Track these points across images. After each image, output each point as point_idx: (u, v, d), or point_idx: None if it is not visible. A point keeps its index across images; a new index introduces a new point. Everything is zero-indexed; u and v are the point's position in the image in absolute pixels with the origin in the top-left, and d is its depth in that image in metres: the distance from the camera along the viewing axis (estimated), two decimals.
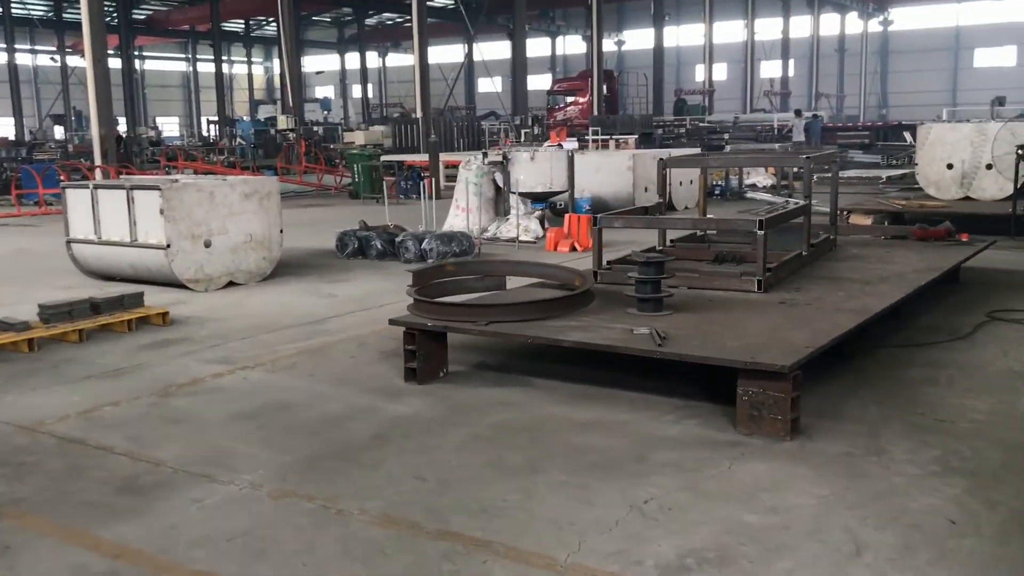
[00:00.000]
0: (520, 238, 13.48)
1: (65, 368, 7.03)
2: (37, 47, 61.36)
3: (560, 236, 12.98)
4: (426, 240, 11.93)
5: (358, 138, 36.23)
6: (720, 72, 58.03)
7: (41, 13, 57.51)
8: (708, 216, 9.93)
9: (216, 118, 57.21)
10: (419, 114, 36.06)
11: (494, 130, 41.41)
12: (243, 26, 67.46)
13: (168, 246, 9.78)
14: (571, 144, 15.51)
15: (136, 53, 61.64)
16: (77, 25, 48.89)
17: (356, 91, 71.00)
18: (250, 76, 73.73)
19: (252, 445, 5.23)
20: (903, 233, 9.81)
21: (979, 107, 44.44)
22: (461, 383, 6.35)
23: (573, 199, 14.83)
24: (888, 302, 6.53)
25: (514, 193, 14.50)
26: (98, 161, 24.51)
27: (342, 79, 72.11)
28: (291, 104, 32.46)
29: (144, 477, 4.77)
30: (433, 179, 23.04)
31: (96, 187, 10.42)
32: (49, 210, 20.12)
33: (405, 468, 4.80)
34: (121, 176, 12.04)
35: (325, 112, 56.49)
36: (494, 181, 15.74)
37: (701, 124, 39.39)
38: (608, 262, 7.73)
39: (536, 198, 14.75)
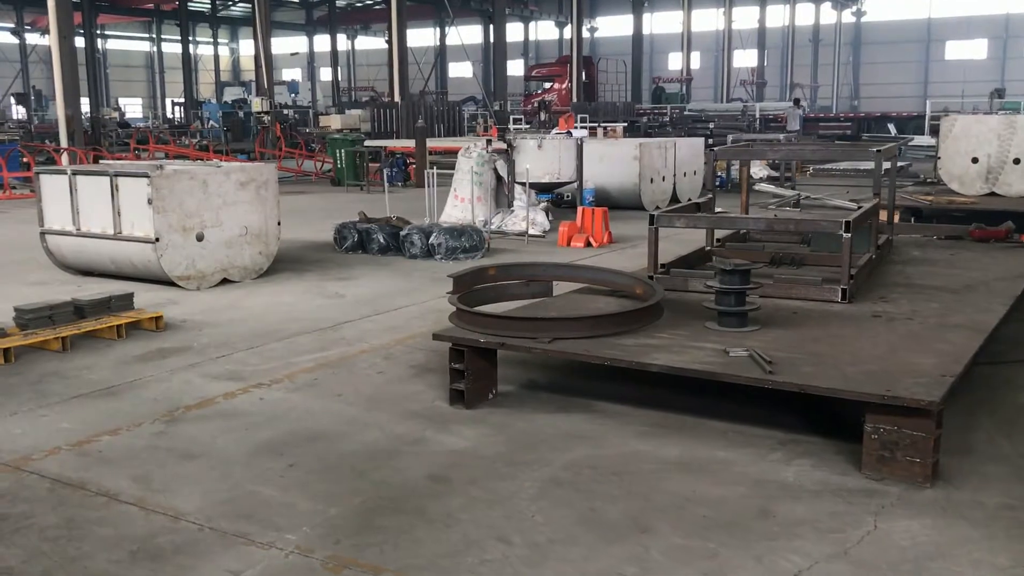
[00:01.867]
0: (529, 232, 12.63)
1: (49, 385, 6.07)
2: None
3: (573, 230, 12.15)
4: (434, 234, 11.04)
5: (334, 122, 35.01)
6: (694, 61, 57.58)
7: None
8: (762, 214, 9.13)
9: (182, 100, 55.63)
10: (397, 98, 35.06)
11: (472, 116, 40.49)
12: (209, 6, 65.64)
13: (157, 239, 8.81)
14: (581, 132, 14.65)
15: (98, 32, 59.65)
16: (37, 1, 47.15)
17: (323, 74, 69.58)
18: (216, 57, 72.05)
19: (288, 490, 4.35)
20: (958, 233, 9.10)
21: (950, 99, 44.38)
22: (515, 407, 5.51)
23: (581, 190, 13.99)
24: (995, 316, 5.78)
25: (520, 183, 13.65)
26: (64, 143, 23.25)
27: (310, 61, 70.65)
28: (265, 86, 31.22)
29: (162, 537, 3.87)
30: (421, 167, 22.16)
31: (75, 173, 9.40)
32: (13, 195, 18.92)
33: (482, 526, 3.95)
34: (101, 161, 11.00)
35: (293, 95, 55.08)
36: (495, 170, 14.87)
37: (686, 112, 38.65)
38: (663, 265, 6.90)
39: (543, 189, 13.91)
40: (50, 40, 24.42)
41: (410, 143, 27.11)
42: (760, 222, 7.16)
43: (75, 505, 4.19)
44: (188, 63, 58.39)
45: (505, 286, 6.44)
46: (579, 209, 12.41)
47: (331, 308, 8.43)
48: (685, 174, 17.54)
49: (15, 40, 55.92)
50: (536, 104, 40.58)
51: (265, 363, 6.56)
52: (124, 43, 72.39)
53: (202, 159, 24.85)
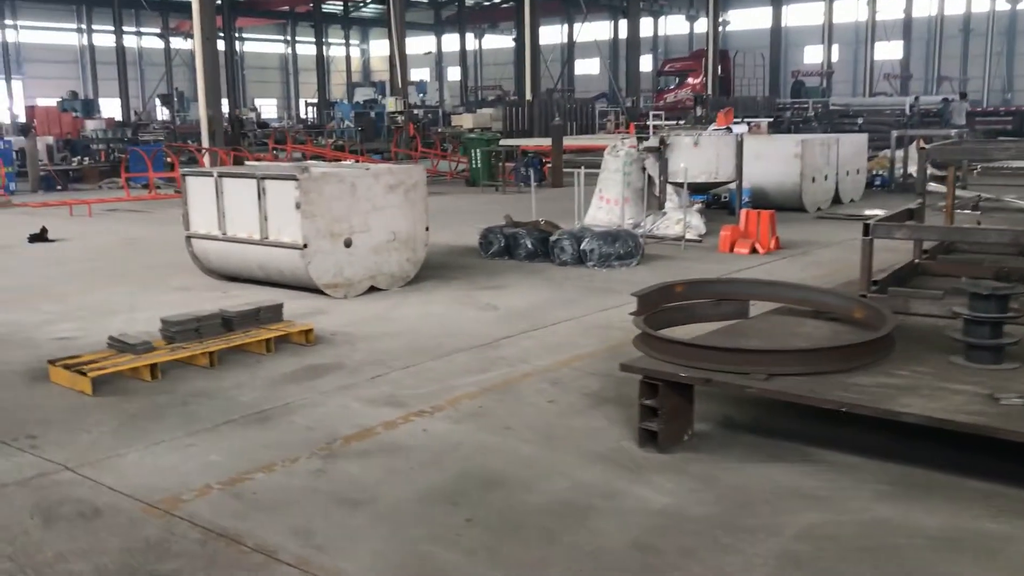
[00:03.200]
0: (686, 236, 11.75)
1: (197, 407, 5.63)
2: (142, 29, 61.76)
3: (736, 235, 11.20)
4: (586, 239, 10.31)
5: (466, 121, 34.87)
6: (832, 54, 55.03)
7: None
8: (1003, 225, 8.02)
9: (314, 100, 56.74)
10: (528, 96, 34.53)
11: (603, 113, 39.63)
12: (342, 7, 66.85)
13: (305, 246, 8.38)
14: (740, 128, 13.67)
15: (236, 35, 61.49)
16: (181, 6, 48.82)
17: (450, 74, 69.93)
18: (348, 58, 73.31)
19: (473, 556, 3.69)
20: None
21: None
22: (716, 453, 4.71)
23: (741, 191, 13.01)
24: None
25: (673, 183, 12.78)
26: (205, 143, 23.63)
27: (438, 61, 71.07)
28: (399, 86, 31.16)
29: None
30: (558, 166, 21.51)
31: (221, 175, 9.08)
32: (159, 195, 19.20)
33: None
34: (247, 163, 10.74)
35: (421, 95, 55.33)
36: (644, 169, 14.04)
37: (831, 107, 36.70)
38: (875, 282, 5.96)
39: (697, 189, 12.99)
40: (193, 43, 24.95)
41: (545, 142, 26.50)
42: (1005, 234, 6.10)
43: (230, 565, 3.64)
44: (321, 64, 59.56)
45: (693, 306, 5.65)
46: (742, 211, 11.45)
47: (485, 321, 7.80)
48: (848, 173, 16.30)
49: (160, 44, 58.11)
50: (690, 97, 38.80)
51: (424, 385, 5.96)
52: (260, 45, 74.51)
53: (338, 159, 24.89)
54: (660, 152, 12.87)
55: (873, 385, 4.30)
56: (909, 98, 39.32)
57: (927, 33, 55.91)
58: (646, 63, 57.69)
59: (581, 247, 10.28)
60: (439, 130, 34.35)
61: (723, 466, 4.54)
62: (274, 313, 7.19)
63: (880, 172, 18.79)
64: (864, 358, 4.54)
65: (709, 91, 43.16)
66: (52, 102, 42.66)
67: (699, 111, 25.14)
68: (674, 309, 5.54)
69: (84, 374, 5.88)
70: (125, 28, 54.40)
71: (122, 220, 16.24)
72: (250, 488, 4.38)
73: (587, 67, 66.86)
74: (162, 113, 53.37)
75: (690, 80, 48.19)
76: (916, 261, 6.76)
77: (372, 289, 9.05)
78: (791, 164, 14.72)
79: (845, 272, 9.74)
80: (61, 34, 60.11)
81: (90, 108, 45.12)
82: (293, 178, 8.40)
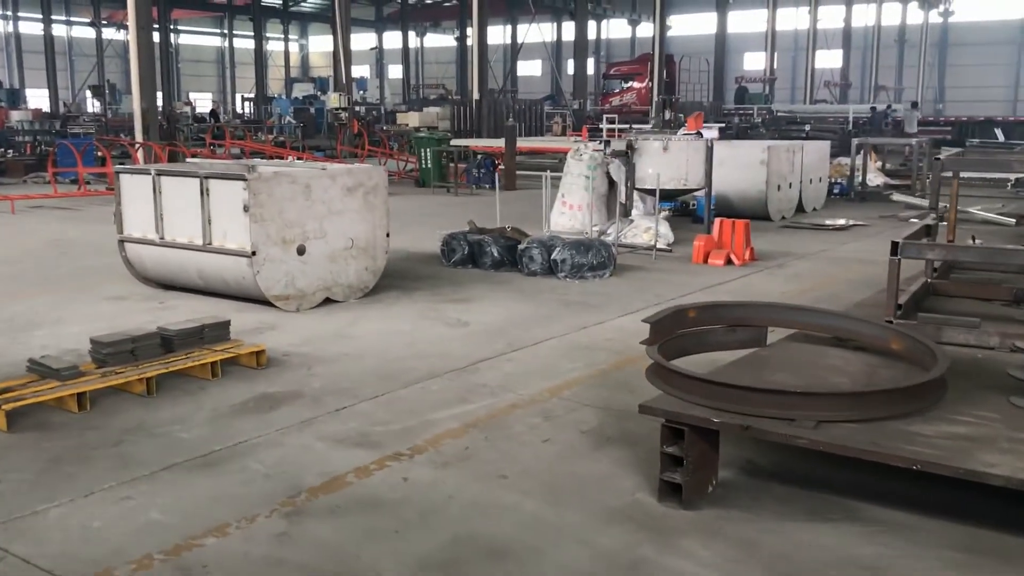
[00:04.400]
0: (657, 246, 11.16)
1: (133, 446, 4.80)
2: (72, 18, 59.44)
3: (710, 245, 10.64)
4: (557, 249, 9.64)
5: (412, 120, 34.00)
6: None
7: None
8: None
9: (251, 95, 55.24)
10: (475, 95, 33.81)
11: (549, 115, 39.11)
12: (280, 2, 65.29)
13: (253, 253, 7.55)
14: (711, 132, 13.14)
15: (171, 27, 59.60)
16: None
17: (391, 71, 68.95)
18: (286, 53, 71.68)
19: None
20: None
21: None
22: (750, 509, 4.07)
23: (711, 197, 12.48)
24: None
25: (641, 190, 12.21)
26: (139, 137, 22.43)
27: (379, 59, 69.92)
28: (343, 82, 30.16)
29: None
30: (511, 168, 20.84)
31: (160, 173, 8.19)
32: (89, 191, 18.02)
33: None
34: (188, 159, 9.75)
35: (361, 92, 54.17)
36: (608, 174, 13.44)
37: (778, 114, 36.68)
38: (899, 304, 5.39)
39: (666, 196, 12.43)
40: (127, 33, 23.68)
41: (496, 142, 25.83)
42: None
43: None
44: (260, 58, 58.02)
45: (706, 333, 5.00)
46: (716, 220, 10.89)
47: (457, 340, 7.07)
48: (811, 181, 15.94)
49: (91, 34, 55.94)
50: (609, 103, 38.40)
51: (397, 420, 5.21)
52: (195, 38, 72.50)
53: (280, 156, 23.85)
54: (628, 156, 12.26)
55: (939, 436, 3.70)
56: (863, 105, 39.54)
57: (864, 42, 56.74)
58: (589, 66, 57.45)
59: (552, 257, 9.61)
60: (384, 128, 33.39)
61: (760, 526, 3.89)
62: (220, 331, 6.37)
63: (839, 180, 18.51)
64: (922, 401, 3.94)
65: (655, 95, 43.01)
66: None
67: (667, 114, 24.54)
68: (686, 336, 4.88)
69: None
70: (54, 16, 52.27)
71: (48, 219, 15.10)
72: (200, 559, 3.60)
73: (529, 68, 66.45)
74: (93, 105, 51.29)
75: (635, 84, 48.07)
76: (928, 281, 6.22)
77: (327, 301, 8.26)
78: (757, 171, 14.26)
79: (829, 286, 9.26)
80: None
81: (15, 98, 43.12)
82: (241, 178, 7.56)
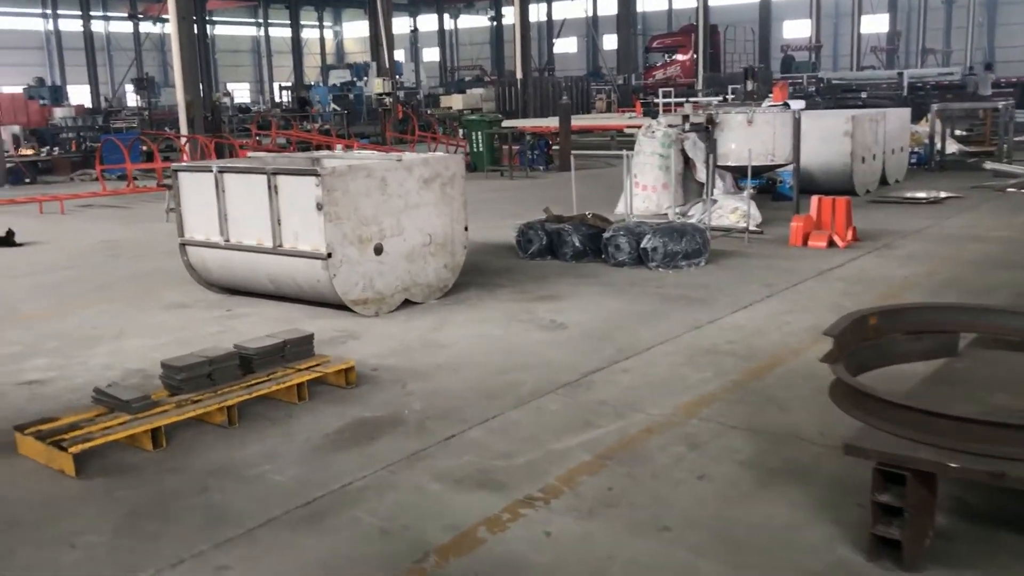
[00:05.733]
0: (750, 227, 10.33)
1: (221, 494, 4.13)
2: (109, 13, 59.37)
3: (809, 226, 9.79)
4: (648, 236, 8.85)
5: (455, 102, 33.23)
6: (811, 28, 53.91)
7: None
8: None
9: (288, 84, 54.83)
10: (519, 75, 32.95)
11: (596, 91, 38.14)
12: None
13: (329, 255, 6.86)
14: (798, 103, 12.23)
15: (207, 18, 59.24)
16: None
17: (425, 55, 68.22)
18: (322, 40, 71.24)
19: None
20: None
21: None
22: (987, 570, 3.29)
23: (799, 173, 11.59)
24: None
25: (723, 167, 11.36)
26: (184, 130, 21.94)
27: (414, 42, 69.18)
28: (386, 66, 29.44)
29: None
30: (566, 149, 20.03)
31: (222, 171, 7.53)
32: (138, 188, 17.52)
33: None
34: (250, 155, 9.07)
35: (398, 76, 53.43)
36: (683, 151, 12.61)
37: (833, 82, 35.31)
38: None
39: (745, 173, 11.55)
40: (167, 25, 23.16)
41: (545, 122, 25.01)
42: None
43: None
44: (297, 46, 57.60)
45: (890, 343, 4.21)
46: (815, 199, 10.02)
47: (558, 346, 6.33)
48: (893, 151, 14.95)
49: (128, 28, 55.77)
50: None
51: (518, 451, 4.49)
52: (231, 28, 72.23)
53: (329, 145, 23.24)
54: (708, 131, 11.40)
55: None
56: (929, 69, 37.96)
57: (909, 4, 54.95)
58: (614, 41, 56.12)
59: (642, 245, 8.83)
60: (429, 112, 32.65)
61: None
62: (303, 347, 5.69)
63: (916, 149, 17.45)
64: None
65: (700, 67, 41.90)
66: (17, 90, 40.44)
67: (749, 85, 23.23)
68: (864, 348, 4.09)
69: (64, 448, 4.37)
70: (92, 12, 52.18)
71: (99, 218, 14.61)
72: None
73: (565, 46, 65.28)
74: (134, 99, 51.16)
75: (679, 56, 46.80)
76: None
77: (406, 303, 7.57)
78: (840, 143, 13.32)
79: (950, 269, 8.41)
80: (25, 19, 57.68)
81: (58, 95, 43.04)
82: (313, 173, 6.87)
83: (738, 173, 12.14)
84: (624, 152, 11.15)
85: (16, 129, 25.30)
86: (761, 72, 38.84)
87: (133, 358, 6.36)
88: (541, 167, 20.33)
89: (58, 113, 33.15)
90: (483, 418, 4.95)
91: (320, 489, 4.12)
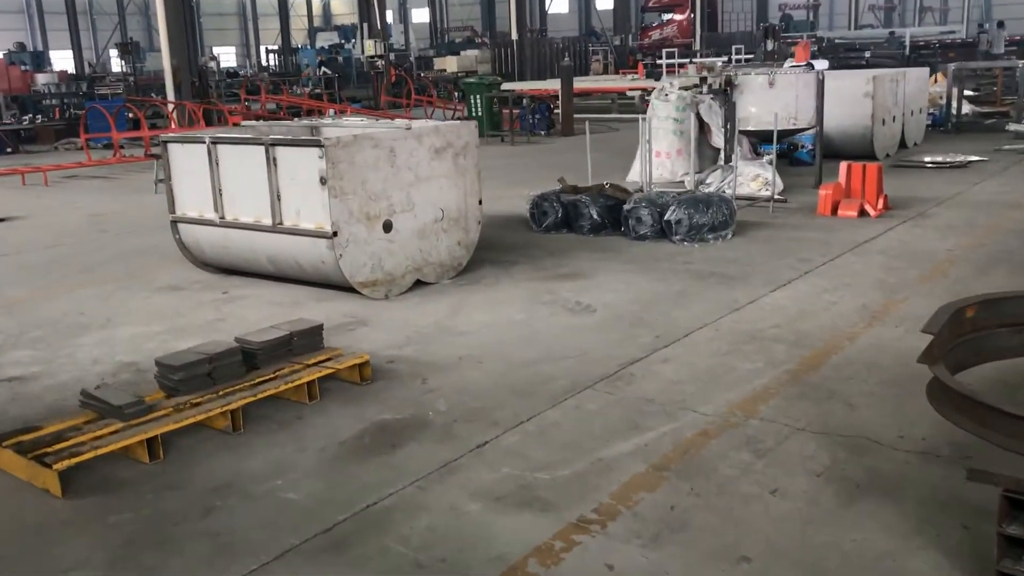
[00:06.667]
0: (774, 196, 9.79)
1: (228, 518, 3.62)
2: None
3: (839, 194, 9.26)
4: (672, 208, 8.31)
5: (450, 65, 32.41)
6: None
7: None
8: None
9: (275, 47, 53.75)
10: (514, 36, 32.17)
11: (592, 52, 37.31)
12: None
13: (335, 233, 6.31)
14: (821, 63, 11.63)
15: None
16: None
17: (414, 15, 67.09)
18: (308, 2, 69.83)
19: None
20: None
21: None
22: None
23: (821, 137, 11.03)
24: None
25: (745, 132, 10.80)
26: (171, 96, 21.23)
27: (403, 2, 67.98)
28: (378, 27, 28.65)
29: None
30: (569, 112, 19.41)
31: (215, 141, 6.94)
32: (124, 157, 16.85)
33: None
34: (243, 122, 8.43)
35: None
36: (698, 115, 12.02)
37: (836, 42, 34.60)
38: None
39: (767, 137, 11.00)
40: None
41: (543, 84, 24.33)
42: None
43: None
44: (284, 8, 56.37)
45: (989, 337, 3.71)
46: (843, 165, 9.47)
47: (588, 332, 5.82)
48: (912, 113, 14.38)
49: None
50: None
51: (562, 460, 3.99)
52: None
53: (320, 110, 22.54)
54: (727, 94, 10.83)
55: None
56: (932, 28, 37.30)
57: None
58: (607, 1, 55.12)
59: (665, 218, 8.29)
60: (423, 75, 31.84)
61: None
62: (311, 338, 5.16)
63: (932, 111, 16.87)
64: None
65: (697, 27, 41.19)
66: None
67: (769, 45, 22.20)
68: (961, 343, 3.59)
69: (48, 465, 3.85)
70: None
71: (85, 190, 13.97)
72: None
73: (556, 6, 64.14)
74: (118, 65, 50.07)
75: (676, 16, 45.92)
76: None
77: (418, 284, 7.04)
78: (861, 105, 12.73)
79: (994, 239, 7.95)
80: None
81: (40, 61, 41.88)
82: (316, 144, 6.29)
83: (755, 138, 11.60)
84: (640, 117, 10.56)
85: None
86: (771, 31, 38.12)
87: (124, 349, 5.83)
88: (542, 132, 19.69)
89: (41, 79, 32.16)
90: (516, 420, 4.44)
91: (341, 511, 3.62)
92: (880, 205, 9.22)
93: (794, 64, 11.90)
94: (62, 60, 48.01)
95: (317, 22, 71.22)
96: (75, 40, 46.91)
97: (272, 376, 4.78)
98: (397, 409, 4.65)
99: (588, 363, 5.22)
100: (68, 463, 3.88)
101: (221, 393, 4.55)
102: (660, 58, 24.83)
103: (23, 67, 35.18)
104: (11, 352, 5.92)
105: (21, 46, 45.24)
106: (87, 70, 43.68)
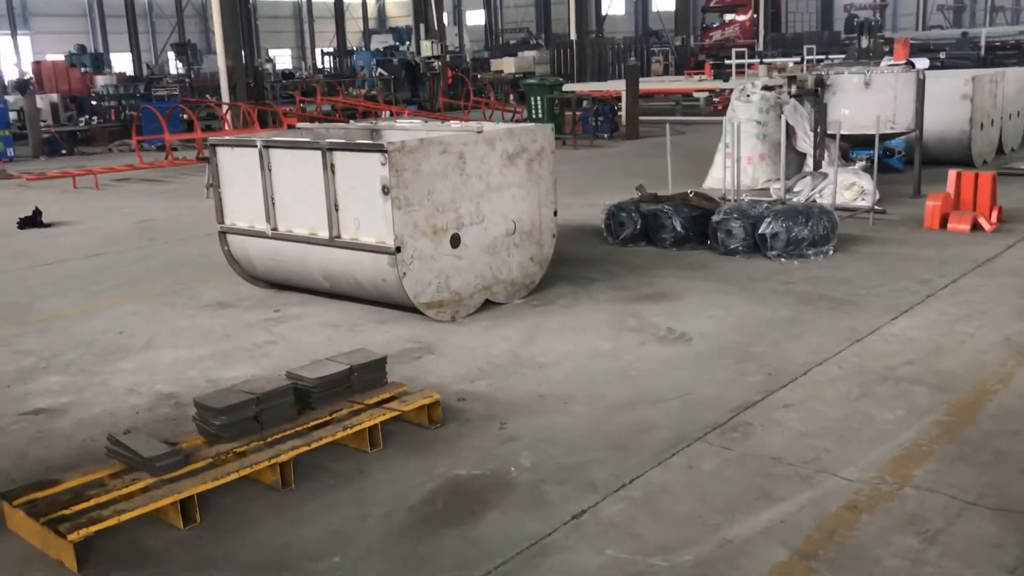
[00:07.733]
0: (875, 206, 8.92)
1: None
2: None
3: (948, 206, 8.36)
4: (767, 221, 7.49)
5: (507, 66, 31.71)
6: None
7: None
8: None
9: (330, 49, 53.67)
10: (573, 36, 31.42)
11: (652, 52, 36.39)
12: None
13: (398, 249, 5.63)
14: (922, 62, 10.72)
15: None
16: None
17: (468, 18, 66.73)
18: (364, 4, 69.78)
19: None
20: None
21: None
22: None
23: (920, 141, 10.10)
24: None
25: (832, 136, 9.92)
26: (226, 97, 20.84)
27: (457, 4, 67.60)
28: (435, 28, 28.07)
29: None
30: (634, 115, 18.61)
31: (268, 145, 6.31)
32: (176, 160, 16.44)
33: None
34: (299, 126, 7.82)
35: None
36: (781, 117, 11.17)
37: (911, 42, 33.24)
38: None
39: (861, 143, 10.11)
40: None
41: (606, 86, 23.53)
42: None
43: None
44: (340, 10, 56.21)
45: None
46: (953, 174, 8.56)
47: (687, 367, 5.05)
48: (1011, 116, 13.33)
49: None
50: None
51: (679, 542, 3.24)
52: None
53: (377, 112, 22.02)
54: (817, 95, 9.96)
55: None
56: (985, 29, 35.92)
57: None
58: (668, 3, 54.11)
59: (760, 231, 7.48)
60: (479, 76, 31.20)
61: None
62: (373, 373, 4.47)
63: None
64: None
65: (760, 28, 40.13)
66: (60, 57, 39.67)
67: (864, 42, 21.00)
68: None
69: (62, 535, 3.21)
70: None
71: (135, 194, 13.52)
72: None
73: (611, 8, 63.23)
74: (176, 67, 50.33)
75: (738, 16, 44.83)
76: None
77: (487, 303, 6.33)
78: (958, 107, 11.76)
79: None
80: None
81: (100, 63, 42.20)
82: (378, 149, 5.62)
83: (848, 143, 10.70)
84: (725, 120, 9.76)
85: (55, 97, 24.35)
86: (829, 35, 36.86)
87: (164, 377, 5.21)
88: (605, 135, 18.91)
89: (100, 81, 32.21)
90: (618, 482, 3.70)
91: None
92: (994, 218, 8.30)
93: (892, 62, 10.97)
94: (122, 62, 48.33)
95: (372, 24, 71.19)
96: (134, 42, 47.11)
97: (328, 419, 4.10)
98: (473, 463, 3.94)
99: (693, 407, 4.46)
100: (86, 532, 3.23)
101: (269, 440, 3.89)
102: (728, 58, 23.88)
103: (83, 69, 35.36)
104: (41, 378, 5.33)
105: (82, 48, 45.66)
106: (145, 72, 43.89)
